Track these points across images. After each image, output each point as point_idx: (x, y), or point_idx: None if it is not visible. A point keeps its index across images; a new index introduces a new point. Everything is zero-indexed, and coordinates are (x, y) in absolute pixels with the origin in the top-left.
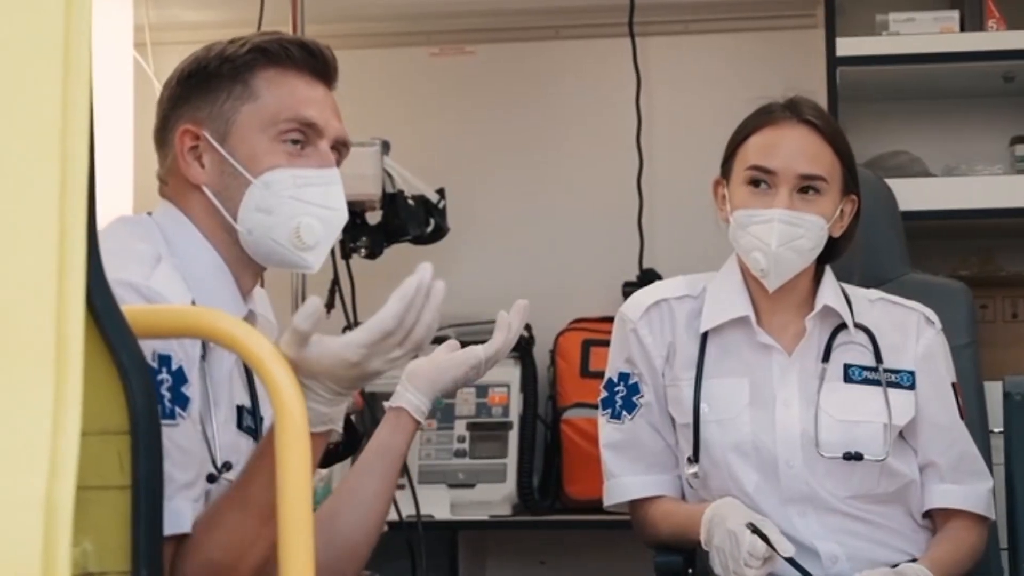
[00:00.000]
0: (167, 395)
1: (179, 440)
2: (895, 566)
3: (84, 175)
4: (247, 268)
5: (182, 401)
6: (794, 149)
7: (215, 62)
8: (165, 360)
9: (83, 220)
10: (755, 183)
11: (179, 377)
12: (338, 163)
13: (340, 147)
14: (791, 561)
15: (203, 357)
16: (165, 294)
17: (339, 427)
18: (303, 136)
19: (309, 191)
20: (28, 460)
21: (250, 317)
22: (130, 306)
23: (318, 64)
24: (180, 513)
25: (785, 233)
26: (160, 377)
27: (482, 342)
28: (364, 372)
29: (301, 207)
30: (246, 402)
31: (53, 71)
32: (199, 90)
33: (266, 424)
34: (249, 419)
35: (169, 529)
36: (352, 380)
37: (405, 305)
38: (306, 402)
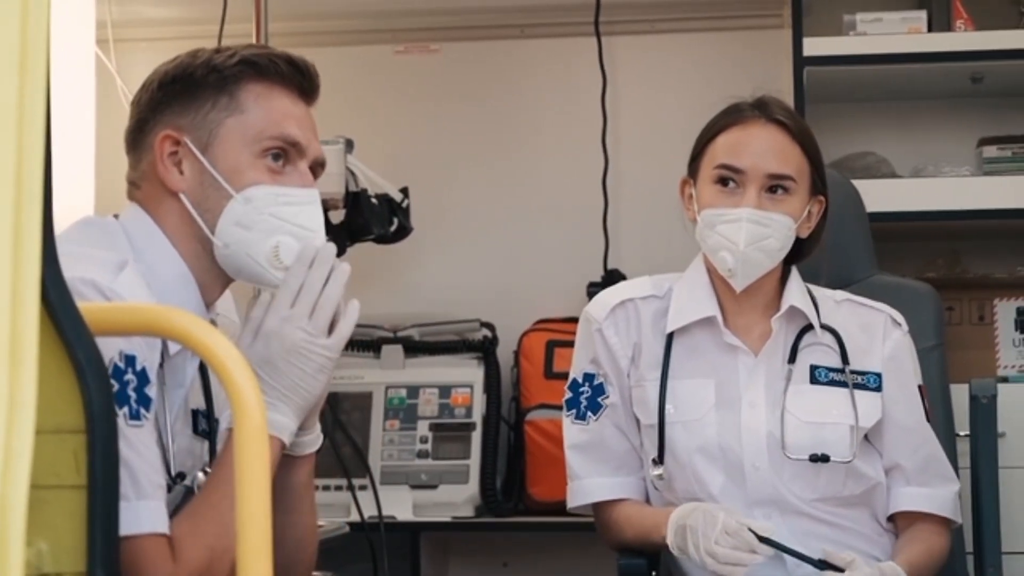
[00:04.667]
0: (133, 396)
1: (148, 441)
2: None
3: (39, 167)
4: (216, 279)
5: (146, 402)
6: (763, 148)
7: (201, 70)
8: (131, 360)
9: (38, 215)
10: (723, 182)
11: (143, 378)
12: None
13: (316, 167)
14: (769, 541)
15: (161, 365)
16: (127, 297)
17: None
18: (284, 154)
19: (289, 210)
20: None
21: None
22: (88, 303)
23: (304, 82)
24: (162, 513)
25: (753, 233)
26: (126, 378)
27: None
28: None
29: (280, 225)
30: (201, 405)
31: (8, 66)
32: (182, 96)
33: (223, 427)
34: (204, 423)
35: (152, 527)
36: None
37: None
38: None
